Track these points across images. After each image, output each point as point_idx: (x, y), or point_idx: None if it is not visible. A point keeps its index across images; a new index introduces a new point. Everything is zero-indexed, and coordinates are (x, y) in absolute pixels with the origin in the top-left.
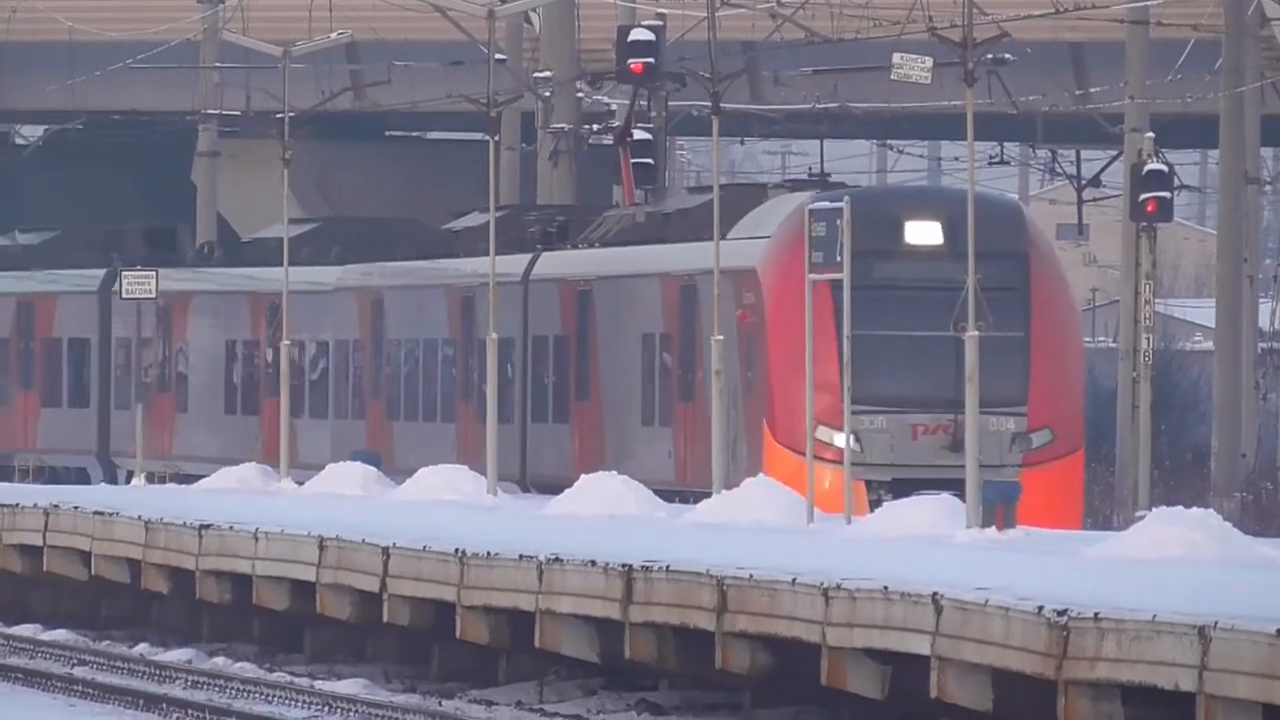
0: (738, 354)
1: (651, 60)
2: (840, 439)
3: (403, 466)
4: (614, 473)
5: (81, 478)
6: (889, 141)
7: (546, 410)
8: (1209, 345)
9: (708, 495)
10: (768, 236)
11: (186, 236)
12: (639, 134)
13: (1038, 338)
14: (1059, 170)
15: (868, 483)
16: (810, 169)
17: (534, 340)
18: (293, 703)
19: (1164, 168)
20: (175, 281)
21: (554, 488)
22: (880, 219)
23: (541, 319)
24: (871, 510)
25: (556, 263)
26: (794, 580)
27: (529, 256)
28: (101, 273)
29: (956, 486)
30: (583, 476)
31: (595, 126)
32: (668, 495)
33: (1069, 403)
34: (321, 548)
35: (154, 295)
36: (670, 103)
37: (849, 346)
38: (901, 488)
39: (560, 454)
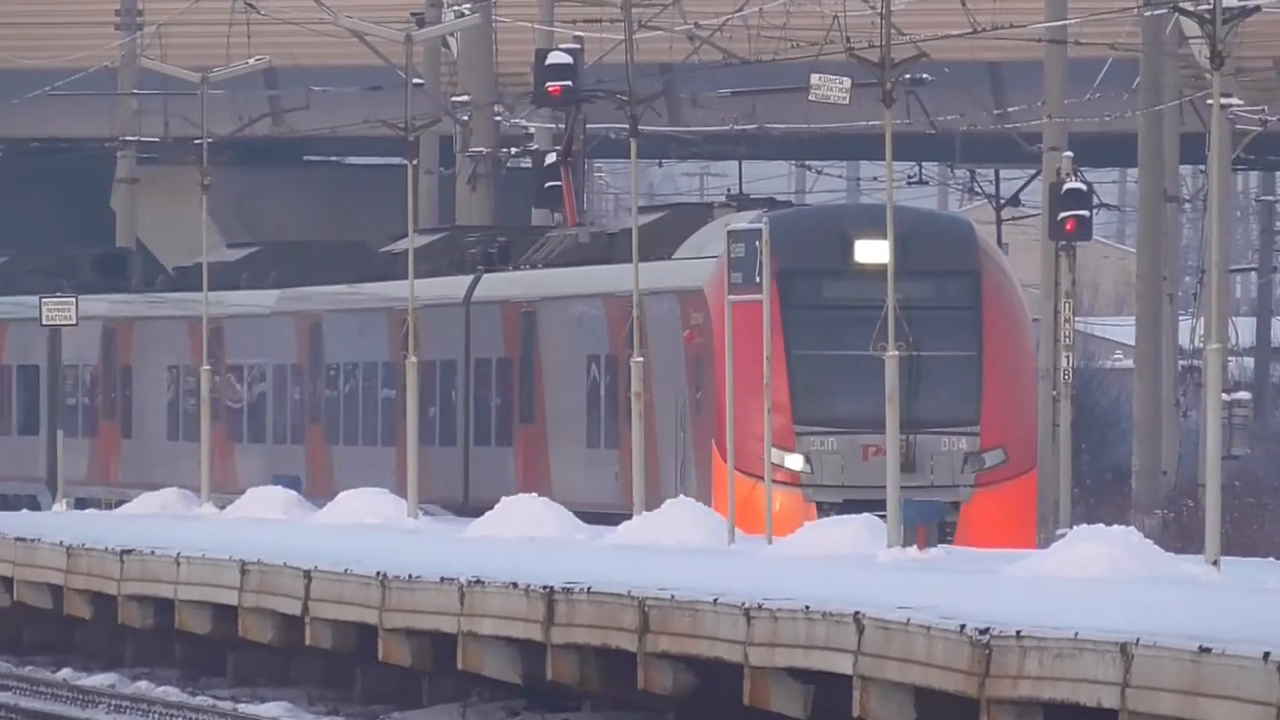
0: (685, 375)
1: (569, 83)
2: (791, 460)
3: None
4: (534, 494)
5: (32, 505)
6: (807, 162)
7: (489, 433)
8: (1129, 363)
9: None
10: (715, 256)
11: (138, 262)
12: (555, 157)
13: (990, 356)
14: (978, 189)
15: (819, 504)
16: (729, 190)
17: (476, 362)
18: None
19: (1083, 186)
20: (119, 307)
21: None
22: (830, 237)
23: (484, 341)
24: None
25: (499, 284)
26: (716, 600)
27: (470, 278)
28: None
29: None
30: (504, 499)
31: (514, 150)
32: (615, 519)
33: (1022, 422)
34: (243, 572)
35: (74, 321)
36: (588, 125)
37: (769, 368)
38: (853, 509)
39: (504, 477)
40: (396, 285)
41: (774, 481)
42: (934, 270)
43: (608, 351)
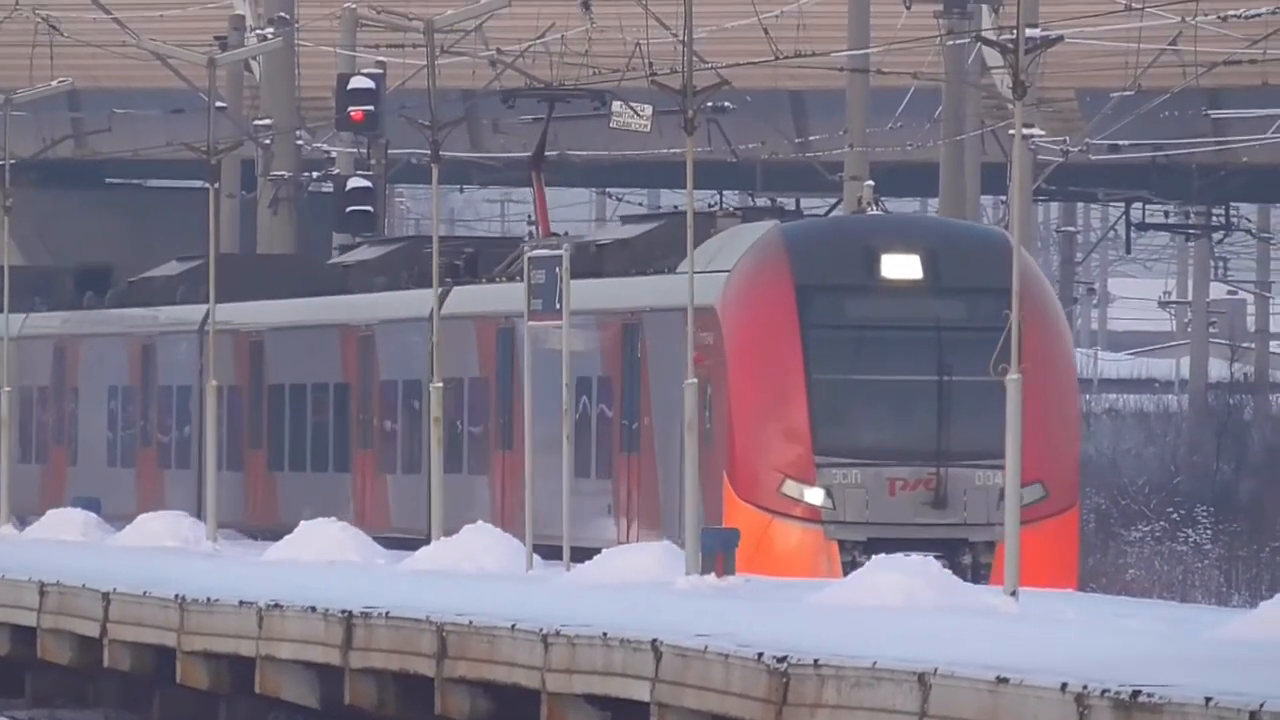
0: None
1: (371, 108)
2: (810, 494)
3: (291, 521)
4: (334, 519)
5: None
6: (608, 189)
7: (462, 460)
8: None
9: None
10: (726, 270)
11: (123, 276)
12: (356, 181)
13: (1029, 382)
14: None
15: (841, 543)
16: (530, 217)
17: (445, 383)
18: None
19: None
20: (63, 325)
21: None
22: (853, 251)
23: (455, 360)
24: (846, 574)
25: (471, 298)
26: (514, 626)
27: (439, 291)
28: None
29: (939, 547)
30: (302, 523)
31: (315, 174)
32: None
33: (1063, 455)
34: (42, 593)
35: None
36: (390, 150)
37: (567, 395)
38: (878, 548)
39: (480, 507)
40: (352, 299)
41: (791, 518)
42: (966, 287)
43: (602, 373)
